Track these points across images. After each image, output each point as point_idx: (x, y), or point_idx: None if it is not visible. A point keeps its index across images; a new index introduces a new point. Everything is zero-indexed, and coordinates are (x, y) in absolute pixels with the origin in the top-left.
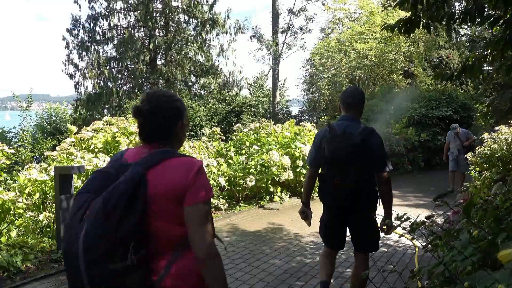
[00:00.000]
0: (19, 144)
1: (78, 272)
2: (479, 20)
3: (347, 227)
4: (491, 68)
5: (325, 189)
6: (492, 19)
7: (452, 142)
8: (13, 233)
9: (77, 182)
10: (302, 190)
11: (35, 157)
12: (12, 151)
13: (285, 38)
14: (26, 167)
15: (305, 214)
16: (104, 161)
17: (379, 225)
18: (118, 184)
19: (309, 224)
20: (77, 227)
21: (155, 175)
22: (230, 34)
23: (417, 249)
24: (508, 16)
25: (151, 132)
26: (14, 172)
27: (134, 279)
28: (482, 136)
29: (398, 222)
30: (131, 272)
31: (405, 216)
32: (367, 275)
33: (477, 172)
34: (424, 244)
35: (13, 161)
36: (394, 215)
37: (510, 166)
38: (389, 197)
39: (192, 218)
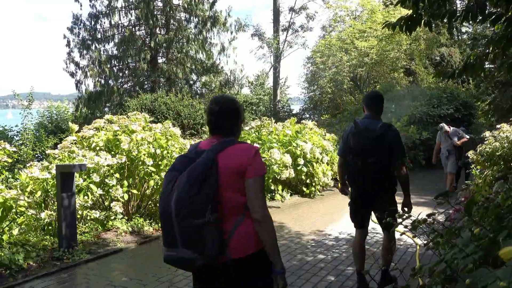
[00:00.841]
0: (21, 142)
1: (172, 226)
2: (480, 18)
3: (371, 210)
4: (493, 66)
5: (350, 174)
6: (493, 17)
7: (443, 142)
8: (15, 231)
9: (78, 180)
10: (338, 177)
11: (36, 155)
12: (14, 149)
13: (286, 36)
14: (27, 165)
15: (344, 191)
16: (106, 159)
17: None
18: (197, 164)
19: (349, 197)
20: (169, 194)
21: (223, 158)
22: (231, 32)
23: (418, 247)
24: (509, 13)
25: (218, 127)
26: (16, 170)
27: (211, 231)
28: (484, 134)
29: (400, 220)
30: (209, 227)
31: (406, 214)
32: (367, 272)
33: (479, 170)
34: (425, 242)
35: (15, 159)
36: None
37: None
38: (405, 181)
39: (252, 188)
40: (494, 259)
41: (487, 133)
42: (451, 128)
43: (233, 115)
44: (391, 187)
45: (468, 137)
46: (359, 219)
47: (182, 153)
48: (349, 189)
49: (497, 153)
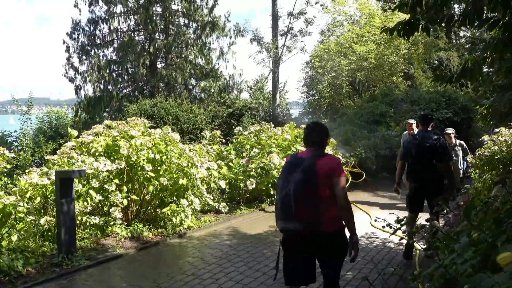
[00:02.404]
0: (20, 148)
1: (290, 207)
2: (478, 22)
3: (425, 200)
4: (491, 70)
5: (412, 173)
6: (491, 21)
7: None
8: (14, 237)
9: (77, 186)
10: (396, 176)
11: (35, 161)
12: (13, 155)
13: (285, 41)
14: (27, 171)
15: (397, 191)
16: (105, 164)
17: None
18: (304, 166)
19: (399, 194)
20: (288, 185)
21: (319, 163)
22: (230, 37)
23: (418, 252)
24: (507, 18)
25: (314, 142)
26: (15, 176)
27: (314, 212)
28: (482, 138)
29: (398, 225)
30: (313, 209)
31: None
32: (366, 278)
33: (478, 174)
34: (425, 246)
35: (14, 165)
36: (394, 218)
37: (510, 168)
38: (451, 177)
39: (337, 185)
40: (493, 264)
41: (486, 137)
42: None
43: (324, 135)
44: (440, 180)
45: None
46: (417, 205)
47: (291, 157)
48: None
49: (496, 157)
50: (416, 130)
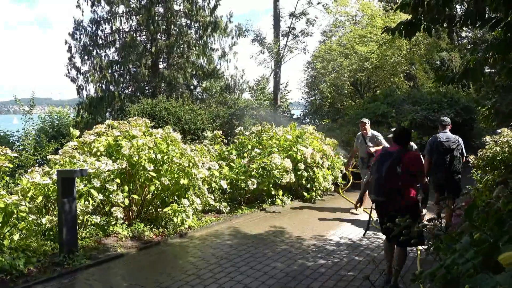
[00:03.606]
0: (22, 147)
1: (383, 186)
2: (479, 23)
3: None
4: (493, 70)
5: (435, 167)
6: (492, 22)
7: (360, 146)
8: (16, 236)
9: (79, 186)
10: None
11: (37, 160)
12: (15, 154)
13: (287, 41)
14: (28, 170)
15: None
16: (107, 164)
17: None
18: (393, 157)
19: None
20: (381, 170)
21: (404, 157)
22: (232, 38)
23: (419, 252)
24: (509, 19)
25: (401, 141)
26: (17, 175)
27: (399, 190)
28: (484, 138)
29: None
30: (398, 189)
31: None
32: (367, 277)
33: (479, 175)
34: (426, 247)
35: (16, 164)
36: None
37: None
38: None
39: (419, 173)
40: (495, 264)
41: (488, 138)
42: (372, 132)
43: (408, 138)
44: (459, 173)
45: (384, 145)
46: (441, 190)
47: (383, 150)
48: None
49: (498, 158)
50: (369, 130)
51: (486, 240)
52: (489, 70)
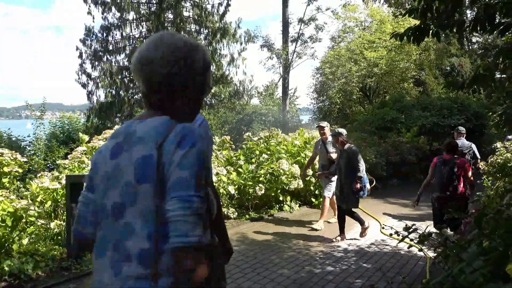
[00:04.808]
0: (33, 152)
1: (444, 183)
2: (489, 28)
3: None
4: (504, 76)
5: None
6: (502, 27)
7: (320, 152)
8: (25, 241)
9: None
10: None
11: (48, 165)
12: (25, 159)
13: (295, 47)
14: (38, 175)
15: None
16: None
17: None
18: (450, 163)
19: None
20: (441, 173)
21: (457, 162)
22: (241, 43)
23: (428, 260)
24: None
25: (452, 152)
26: (27, 180)
27: (454, 185)
28: (495, 145)
29: (406, 233)
30: (453, 183)
31: (413, 227)
32: (372, 286)
33: (490, 182)
34: (435, 254)
35: (27, 169)
36: (403, 225)
37: None
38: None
39: (467, 171)
40: (505, 273)
41: (499, 144)
42: (331, 134)
43: (456, 149)
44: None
45: (333, 154)
46: None
47: (439, 158)
48: None
49: (509, 164)
50: (329, 134)
51: (495, 248)
52: (500, 75)
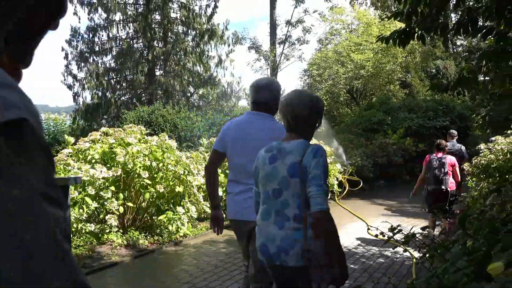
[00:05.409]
0: None
1: (436, 178)
2: (472, 31)
3: None
4: (487, 78)
5: None
6: (484, 30)
7: None
8: None
9: (73, 193)
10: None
11: None
12: None
13: (283, 49)
14: None
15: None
16: (101, 171)
17: None
18: (440, 160)
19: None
20: (433, 169)
21: (447, 158)
22: (229, 45)
23: (414, 260)
24: (501, 27)
25: (442, 150)
26: None
27: (445, 181)
28: (479, 146)
29: (391, 234)
30: (444, 180)
31: (398, 228)
32: (359, 287)
33: (474, 183)
34: (421, 255)
35: None
36: (388, 226)
37: (507, 176)
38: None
39: (456, 167)
40: (488, 273)
41: (482, 146)
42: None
43: (446, 147)
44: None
45: None
46: None
47: (431, 155)
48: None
49: (492, 166)
50: None
51: (479, 249)
52: (483, 78)
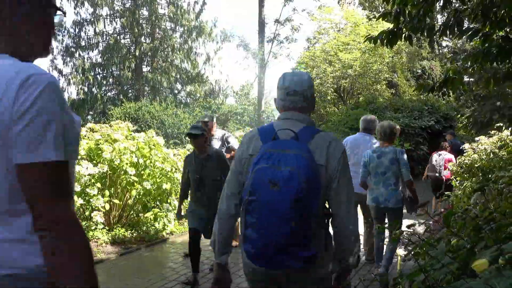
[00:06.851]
0: None
1: (436, 177)
2: (458, 33)
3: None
4: (472, 80)
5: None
6: (470, 32)
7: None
8: None
9: None
10: None
11: None
12: None
13: (271, 47)
14: None
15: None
16: (87, 168)
17: None
18: (438, 159)
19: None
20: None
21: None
22: (217, 43)
23: (399, 258)
24: (486, 29)
25: (442, 148)
26: None
27: (443, 171)
28: (463, 146)
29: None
30: (443, 168)
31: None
32: (349, 283)
33: (458, 182)
34: (406, 252)
35: None
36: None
37: (490, 176)
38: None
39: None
40: (472, 270)
41: (467, 145)
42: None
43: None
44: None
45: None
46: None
47: (434, 154)
48: None
49: (476, 165)
50: (215, 129)
51: (463, 246)
52: (468, 79)
